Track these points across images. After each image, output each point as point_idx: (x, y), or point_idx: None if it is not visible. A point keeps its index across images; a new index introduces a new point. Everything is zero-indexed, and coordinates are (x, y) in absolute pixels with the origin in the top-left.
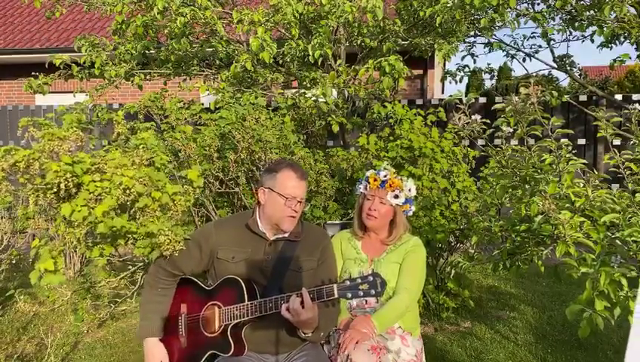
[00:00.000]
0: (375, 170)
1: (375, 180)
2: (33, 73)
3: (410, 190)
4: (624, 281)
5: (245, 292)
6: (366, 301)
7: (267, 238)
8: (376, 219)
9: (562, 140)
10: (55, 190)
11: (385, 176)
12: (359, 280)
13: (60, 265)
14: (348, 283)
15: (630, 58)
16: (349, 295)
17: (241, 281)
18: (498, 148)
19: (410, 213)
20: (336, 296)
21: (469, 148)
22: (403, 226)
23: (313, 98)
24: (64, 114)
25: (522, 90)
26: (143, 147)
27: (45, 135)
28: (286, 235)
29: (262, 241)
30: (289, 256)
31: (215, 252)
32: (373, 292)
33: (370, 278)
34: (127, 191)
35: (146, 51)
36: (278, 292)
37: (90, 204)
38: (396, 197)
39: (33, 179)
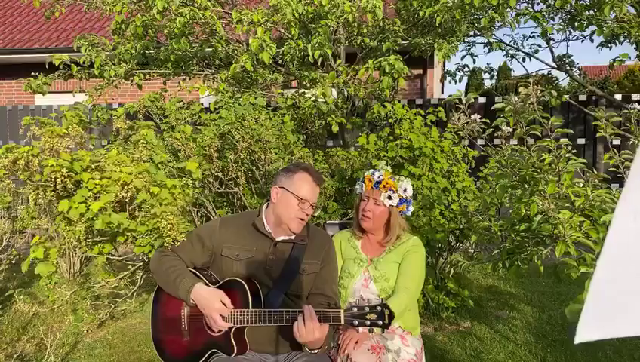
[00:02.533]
0: (375, 169)
1: (370, 181)
2: (33, 73)
3: (405, 190)
4: None
5: (249, 297)
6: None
7: (273, 238)
8: (370, 220)
9: (562, 140)
10: (53, 186)
11: (379, 177)
12: (367, 309)
13: (53, 256)
14: (355, 310)
15: (630, 58)
16: (356, 322)
17: (245, 285)
18: (498, 148)
19: (409, 213)
20: (342, 322)
21: (468, 148)
22: (399, 227)
23: (313, 98)
24: (65, 112)
25: (522, 89)
26: (143, 143)
27: (45, 132)
28: (292, 237)
29: (267, 241)
30: (293, 258)
31: (219, 249)
32: (380, 323)
33: (379, 309)
34: (126, 187)
35: (146, 51)
36: (281, 295)
37: (88, 201)
38: (389, 198)
39: (33, 176)
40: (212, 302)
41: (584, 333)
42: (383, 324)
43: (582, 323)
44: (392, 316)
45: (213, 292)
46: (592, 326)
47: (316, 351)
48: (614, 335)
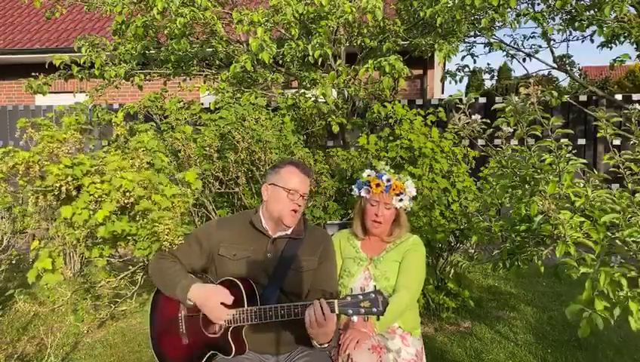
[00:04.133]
0: (374, 171)
1: (378, 185)
2: (33, 73)
3: (410, 191)
4: (624, 281)
5: (244, 296)
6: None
7: (269, 236)
8: (382, 224)
9: (562, 140)
10: (56, 193)
11: (388, 181)
12: (361, 297)
13: (58, 264)
14: (349, 299)
15: (630, 58)
16: (350, 311)
17: (240, 284)
18: (498, 148)
19: (408, 210)
20: (336, 311)
21: (469, 148)
22: (405, 225)
23: (313, 98)
24: (64, 114)
25: (522, 90)
26: (142, 150)
27: (44, 137)
28: (288, 233)
29: (264, 239)
30: (290, 254)
31: (216, 249)
32: (374, 310)
33: (372, 295)
34: (127, 194)
35: (146, 51)
36: (278, 292)
37: (90, 206)
38: (401, 200)
39: (33, 181)
40: (209, 297)
41: None
42: (378, 311)
43: None
44: (385, 302)
45: (209, 287)
46: None
47: (326, 346)
48: None
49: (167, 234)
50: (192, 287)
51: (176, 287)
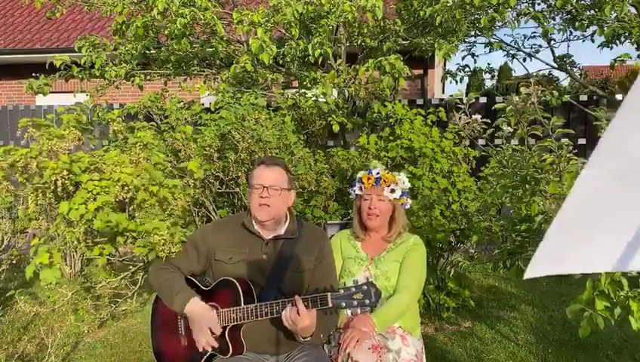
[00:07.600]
0: (369, 169)
1: (369, 179)
2: (33, 74)
3: (404, 182)
4: (624, 281)
5: (241, 295)
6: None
7: (263, 237)
8: (378, 217)
9: (563, 140)
10: (53, 188)
11: (377, 173)
12: (353, 289)
13: (56, 260)
14: (342, 291)
15: (631, 58)
16: (344, 304)
17: (237, 284)
18: (499, 148)
19: (408, 206)
20: (330, 305)
21: (469, 148)
22: (402, 221)
23: (313, 98)
24: (62, 116)
25: (523, 89)
26: (140, 145)
27: (44, 134)
28: (281, 233)
29: (258, 241)
30: (287, 255)
31: (212, 253)
32: (367, 302)
33: (365, 287)
34: (126, 188)
35: (147, 51)
36: (276, 293)
37: (88, 203)
38: (392, 191)
39: (32, 178)
40: (201, 320)
41: (534, 270)
42: (370, 303)
43: (534, 261)
44: (378, 293)
45: (204, 310)
46: (543, 264)
47: (308, 339)
48: (559, 273)
49: (163, 245)
50: (190, 302)
51: (174, 301)
